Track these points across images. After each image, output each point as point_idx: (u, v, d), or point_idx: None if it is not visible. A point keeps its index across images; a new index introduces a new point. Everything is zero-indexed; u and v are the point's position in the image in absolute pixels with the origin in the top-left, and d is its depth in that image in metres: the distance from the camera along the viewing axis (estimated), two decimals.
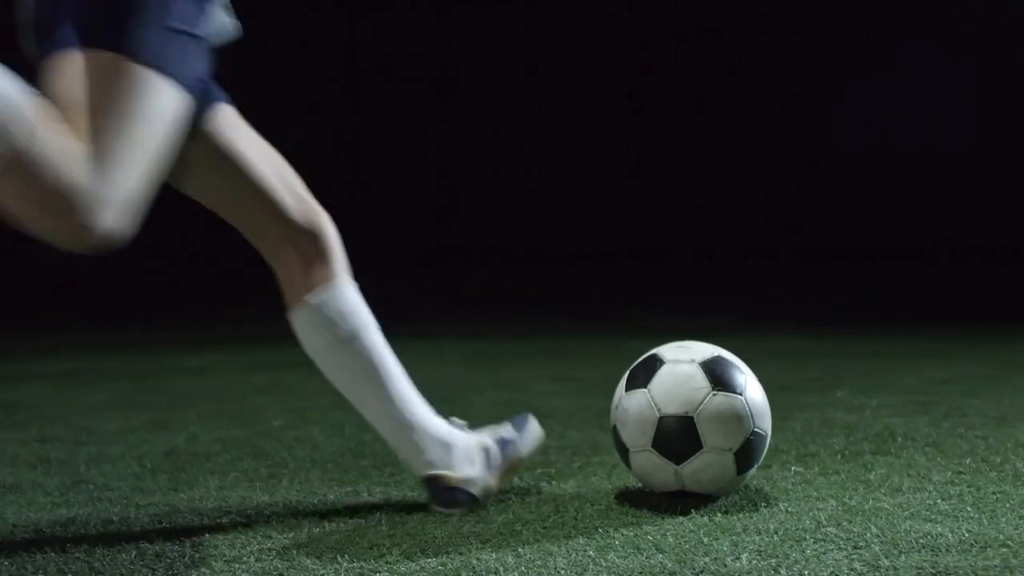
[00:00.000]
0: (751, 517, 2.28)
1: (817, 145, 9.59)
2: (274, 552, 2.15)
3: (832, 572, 1.92)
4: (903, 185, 9.83)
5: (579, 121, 11.18)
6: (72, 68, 1.85)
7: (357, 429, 3.47)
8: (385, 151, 11.97)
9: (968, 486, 2.49)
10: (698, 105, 9.70)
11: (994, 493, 2.42)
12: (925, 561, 1.94)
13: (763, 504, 2.38)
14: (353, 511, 2.43)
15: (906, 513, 2.27)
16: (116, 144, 1.80)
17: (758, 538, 2.13)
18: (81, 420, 3.71)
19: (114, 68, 1.84)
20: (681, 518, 2.29)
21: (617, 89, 11.01)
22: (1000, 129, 9.46)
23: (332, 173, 11.05)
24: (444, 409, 3.79)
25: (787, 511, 2.32)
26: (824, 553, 2.02)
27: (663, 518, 2.30)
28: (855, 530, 2.16)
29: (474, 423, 3.49)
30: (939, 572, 1.89)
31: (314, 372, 4.80)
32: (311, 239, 2.36)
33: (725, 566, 1.97)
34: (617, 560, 2.02)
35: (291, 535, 2.26)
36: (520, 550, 2.10)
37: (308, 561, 2.08)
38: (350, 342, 2.41)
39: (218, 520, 2.40)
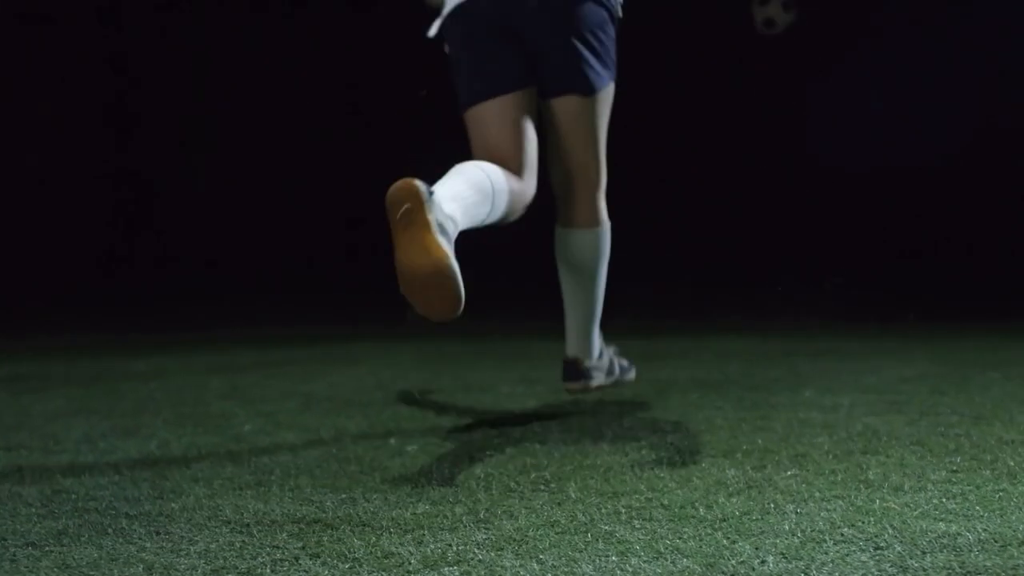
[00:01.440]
0: (763, 519, 2.29)
1: (774, 148, 9.70)
2: (287, 562, 2.11)
3: (862, 574, 1.92)
4: (838, 190, 9.96)
5: None
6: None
7: (334, 433, 3.42)
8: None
9: (967, 485, 2.52)
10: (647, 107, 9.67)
11: (995, 492, 2.45)
12: (952, 561, 1.96)
13: (771, 505, 2.39)
14: (356, 519, 2.39)
15: (916, 513, 2.29)
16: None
17: (777, 540, 2.13)
18: (44, 427, 3.61)
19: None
20: (693, 520, 2.28)
21: None
22: (952, 134, 9.63)
23: None
24: (416, 411, 3.78)
25: (797, 512, 2.33)
26: (848, 555, 2.03)
27: (674, 521, 2.29)
28: (871, 531, 2.17)
29: (449, 425, 3.47)
30: (969, 572, 1.90)
31: (273, 375, 4.78)
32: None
33: (753, 569, 1.97)
34: (643, 565, 2.01)
35: (300, 544, 2.21)
36: (541, 556, 2.08)
37: (326, 572, 2.03)
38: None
39: (217, 530, 2.34)
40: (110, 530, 2.37)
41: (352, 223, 11.08)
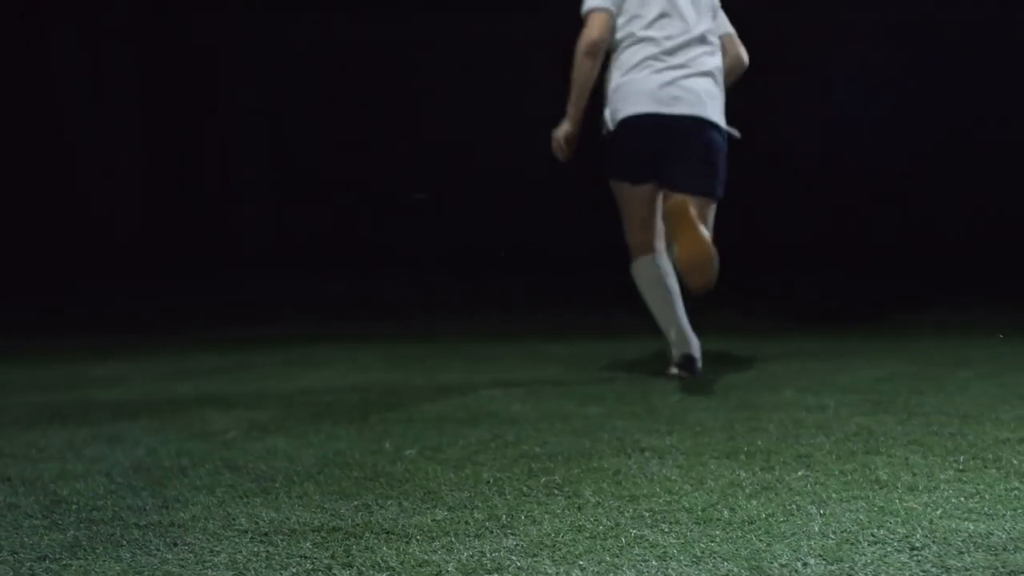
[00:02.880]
0: (789, 520, 2.30)
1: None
2: (320, 572, 2.09)
3: (902, 575, 1.94)
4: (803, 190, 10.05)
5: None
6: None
7: (324, 438, 3.38)
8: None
9: (979, 484, 2.56)
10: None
11: (1009, 490, 2.50)
12: (992, 561, 1.99)
13: (792, 506, 2.41)
14: (378, 527, 2.37)
15: (938, 512, 2.32)
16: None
17: (811, 542, 2.15)
18: (22, 434, 3.53)
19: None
20: (719, 522, 2.29)
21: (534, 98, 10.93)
22: (907, 139, 9.75)
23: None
24: (400, 414, 3.74)
25: (821, 514, 2.34)
26: (885, 556, 2.05)
27: (700, 524, 2.30)
28: (901, 531, 2.19)
29: (439, 428, 3.43)
30: (1011, 572, 1.93)
31: (240, 379, 4.71)
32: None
33: (797, 572, 1.98)
34: (685, 569, 2.02)
35: (328, 554, 2.18)
36: (580, 562, 2.08)
37: None
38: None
39: (236, 540, 2.30)
40: (124, 541, 2.32)
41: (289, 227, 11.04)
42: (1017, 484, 2.54)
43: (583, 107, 4.19)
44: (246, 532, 2.36)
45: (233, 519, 2.47)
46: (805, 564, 2.02)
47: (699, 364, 4.42)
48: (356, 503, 2.59)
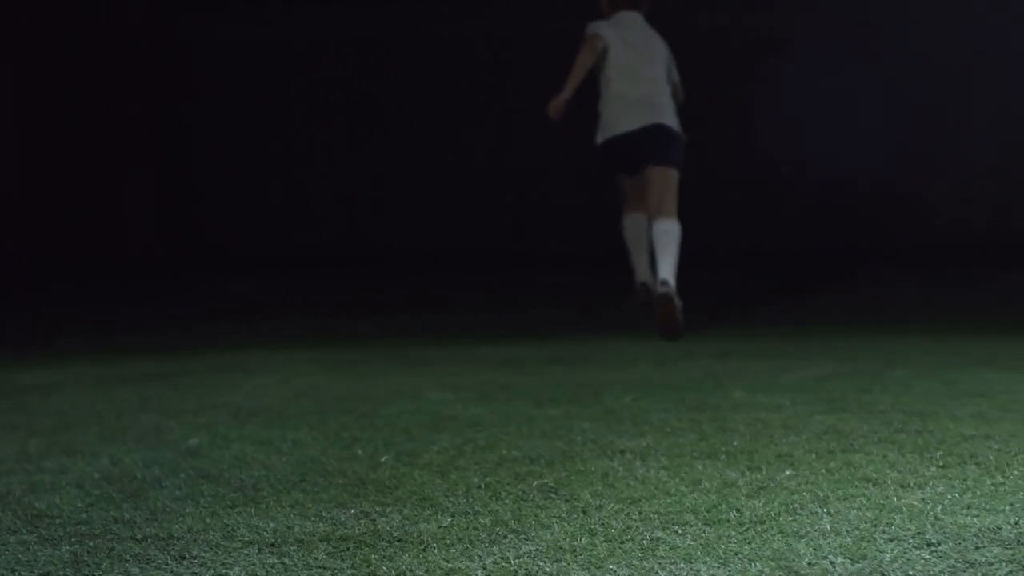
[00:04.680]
0: (797, 519, 2.35)
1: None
2: None
3: (932, 570, 1.99)
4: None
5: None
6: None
7: (291, 446, 3.34)
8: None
9: (964, 480, 2.65)
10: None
11: (996, 485, 2.60)
12: (1010, 555, 2.06)
13: (795, 506, 2.47)
14: (386, 535, 2.36)
15: (939, 508, 2.39)
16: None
17: (828, 541, 2.20)
18: None
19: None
20: (729, 523, 2.32)
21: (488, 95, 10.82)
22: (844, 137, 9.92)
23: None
24: (360, 419, 3.70)
25: (828, 513, 2.40)
26: (905, 552, 2.11)
27: (712, 525, 2.33)
28: (911, 527, 2.25)
29: (407, 433, 3.40)
30: None
31: (178, 386, 4.61)
32: None
33: (826, 571, 2.01)
34: (717, 570, 2.04)
35: (347, 564, 2.17)
36: (610, 567, 2.10)
37: None
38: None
39: (243, 551, 2.27)
40: (127, 556, 2.26)
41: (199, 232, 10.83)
42: (1001, 479, 2.63)
43: (577, 85, 5.82)
44: (251, 543, 2.32)
45: (233, 529, 2.42)
46: (832, 563, 2.06)
47: (655, 290, 5.78)
48: (353, 511, 2.56)
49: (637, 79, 5.80)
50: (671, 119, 5.87)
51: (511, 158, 10.51)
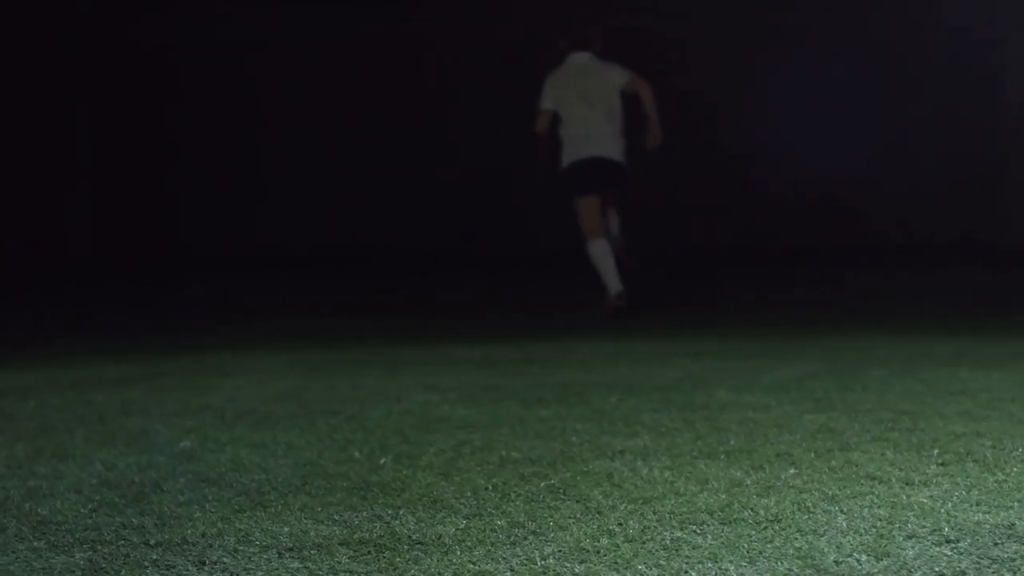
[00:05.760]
0: (813, 518, 2.38)
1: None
2: None
3: (956, 567, 2.02)
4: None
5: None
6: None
7: (285, 448, 3.32)
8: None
9: (967, 477, 2.70)
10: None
11: (999, 483, 2.65)
12: None
13: (807, 504, 2.51)
14: (405, 537, 2.36)
15: (948, 506, 2.43)
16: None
17: (848, 539, 2.23)
18: None
19: None
20: (746, 523, 2.34)
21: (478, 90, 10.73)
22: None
23: None
24: (349, 422, 3.68)
25: (841, 511, 2.44)
26: (927, 549, 2.15)
27: (729, 524, 2.35)
28: (927, 524, 2.30)
29: (401, 435, 3.39)
30: None
31: (156, 388, 4.56)
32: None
33: (853, 568, 2.04)
34: (747, 569, 2.05)
35: (373, 568, 2.17)
36: (639, 567, 2.12)
37: None
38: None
39: (262, 555, 2.26)
40: (146, 562, 2.24)
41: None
42: (1002, 476, 2.68)
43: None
44: (268, 547, 2.31)
45: (247, 534, 2.40)
46: (857, 560, 2.09)
47: (624, 299, 6.85)
48: (365, 514, 2.55)
49: (584, 122, 6.96)
50: (614, 151, 7.02)
51: (495, 158, 10.45)
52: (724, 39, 10.26)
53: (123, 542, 2.37)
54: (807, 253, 9.50)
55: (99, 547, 2.34)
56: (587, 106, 6.96)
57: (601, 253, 6.93)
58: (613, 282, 6.86)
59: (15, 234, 9.51)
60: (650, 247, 8.56)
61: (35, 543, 2.39)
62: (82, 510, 2.65)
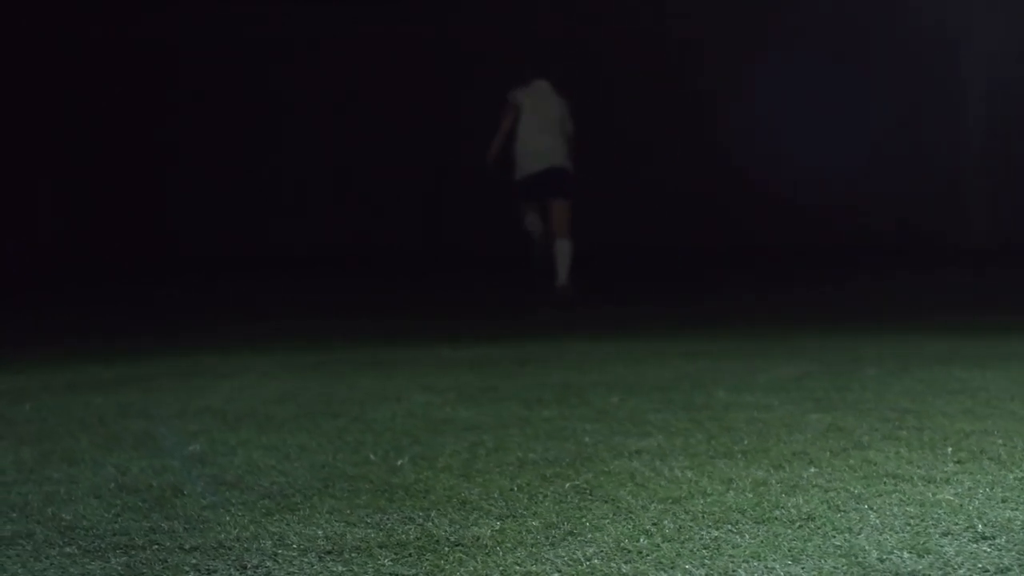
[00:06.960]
0: (845, 516, 2.42)
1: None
2: None
3: (998, 563, 2.05)
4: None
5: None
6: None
7: (299, 451, 3.31)
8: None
9: (984, 474, 2.74)
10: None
11: (1018, 480, 2.70)
12: None
13: (836, 502, 2.54)
14: (444, 539, 2.37)
15: (976, 503, 2.48)
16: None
17: (885, 537, 2.26)
18: None
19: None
20: (780, 522, 2.36)
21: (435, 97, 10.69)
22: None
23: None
24: (355, 423, 3.67)
25: (871, 509, 2.47)
26: (965, 546, 2.18)
27: (763, 523, 2.37)
28: (961, 522, 2.33)
29: (411, 435, 3.38)
30: None
31: (152, 390, 4.53)
32: None
33: (896, 566, 2.06)
34: (794, 568, 2.07)
35: (420, 571, 2.15)
36: (686, 567, 2.14)
37: None
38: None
39: (302, 559, 2.26)
40: (185, 567, 2.23)
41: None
42: (1020, 473, 2.73)
43: (501, 144, 8.00)
44: (307, 550, 2.30)
45: (282, 537, 2.40)
46: (900, 558, 2.12)
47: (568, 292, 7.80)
48: (396, 516, 2.55)
49: (539, 135, 7.91)
50: (564, 162, 8.01)
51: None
52: (724, 39, 10.33)
53: (156, 547, 2.36)
54: (806, 253, 9.58)
55: (133, 552, 2.33)
56: (543, 121, 7.95)
57: (532, 221, 7.97)
58: (559, 276, 7.89)
59: (15, 234, 9.42)
60: (650, 247, 8.65)
61: (66, 548, 2.37)
62: (106, 515, 2.63)
